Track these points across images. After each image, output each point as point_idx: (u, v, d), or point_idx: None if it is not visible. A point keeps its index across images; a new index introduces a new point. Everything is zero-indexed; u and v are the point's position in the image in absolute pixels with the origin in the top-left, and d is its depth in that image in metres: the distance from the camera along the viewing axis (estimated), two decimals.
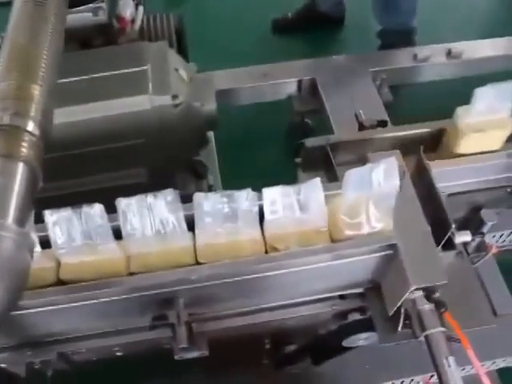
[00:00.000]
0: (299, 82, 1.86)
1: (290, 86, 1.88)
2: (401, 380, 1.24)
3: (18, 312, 0.85)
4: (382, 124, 1.18)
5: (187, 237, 0.88)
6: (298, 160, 1.14)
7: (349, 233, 0.87)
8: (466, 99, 1.07)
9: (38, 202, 0.80)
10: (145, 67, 1.14)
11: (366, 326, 0.99)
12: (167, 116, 1.12)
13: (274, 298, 0.98)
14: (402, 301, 0.90)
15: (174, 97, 1.12)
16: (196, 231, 0.88)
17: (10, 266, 0.69)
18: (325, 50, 2.23)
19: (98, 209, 0.81)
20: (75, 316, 0.90)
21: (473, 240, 1.18)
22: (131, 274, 0.88)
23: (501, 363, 1.29)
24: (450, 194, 1.13)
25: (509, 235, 1.42)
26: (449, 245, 0.96)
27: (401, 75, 1.92)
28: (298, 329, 1.07)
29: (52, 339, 0.98)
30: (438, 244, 0.94)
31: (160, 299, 0.89)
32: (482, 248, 1.22)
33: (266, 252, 0.88)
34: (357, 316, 1.01)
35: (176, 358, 0.99)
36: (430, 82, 1.97)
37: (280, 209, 0.85)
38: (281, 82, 1.86)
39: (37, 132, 0.77)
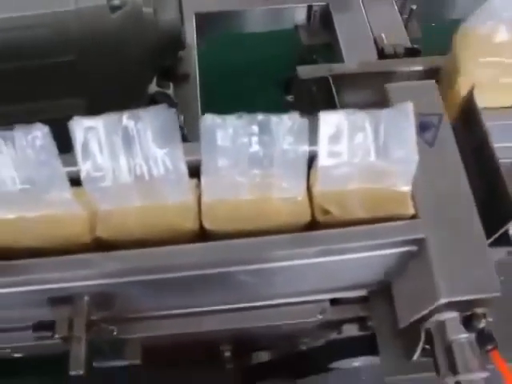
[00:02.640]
0: (309, 8, 1.51)
1: (298, 13, 1.53)
2: None
3: None
4: (414, 52, 0.83)
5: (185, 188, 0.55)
6: (290, 98, 0.80)
7: None
8: None
9: None
10: None
11: (365, 346, 0.68)
12: (102, 23, 0.78)
13: (231, 299, 0.66)
14: (422, 314, 0.59)
15: None
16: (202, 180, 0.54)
17: None
18: None
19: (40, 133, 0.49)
20: None
21: None
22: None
23: None
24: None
25: None
26: (504, 239, 0.64)
27: (432, 6, 1.54)
28: (271, 339, 0.76)
29: None
30: (488, 237, 0.61)
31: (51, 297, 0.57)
32: None
33: (313, 218, 0.56)
34: (353, 330, 0.70)
35: (95, 365, 0.69)
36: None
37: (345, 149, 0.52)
38: (287, 7, 1.52)
39: None
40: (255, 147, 0.50)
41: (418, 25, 1.49)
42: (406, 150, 0.52)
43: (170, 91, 1.10)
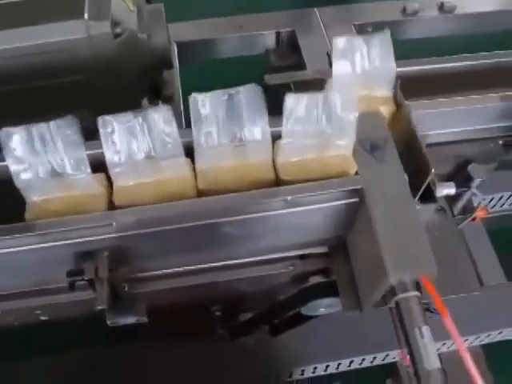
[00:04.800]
0: (278, 34, 1.71)
1: (268, 39, 1.72)
2: (373, 355, 1.10)
3: None
4: None
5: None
6: None
7: None
8: None
9: None
10: None
11: (328, 290, 0.85)
12: (105, 48, 0.96)
13: (222, 254, 0.83)
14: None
15: (115, 24, 0.95)
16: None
17: None
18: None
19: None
20: None
21: (458, 199, 1.04)
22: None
23: (485, 339, 1.15)
24: (432, 144, 0.98)
25: (500, 199, 1.28)
26: (428, 196, 0.82)
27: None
28: (253, 294, 0.93)
29: None
30: (415, 195, 0.80)
31: (81, 251, 0.74)
32: (469, 209, 1.07)
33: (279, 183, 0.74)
34: (318, 279, 0.87)
35: (108, 323, 0.85)
36: (420, 39, 1.81)
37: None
38: (258, 33, 1.71)
39: None
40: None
41: None
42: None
43: None
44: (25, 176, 0.69)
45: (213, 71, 1.85)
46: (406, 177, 0.75)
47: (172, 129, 0.69)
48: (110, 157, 0.70)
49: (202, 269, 0.85)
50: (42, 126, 0.69)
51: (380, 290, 0.72)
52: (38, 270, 0.78)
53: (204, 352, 1.05)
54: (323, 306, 0.88)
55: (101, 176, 0.73)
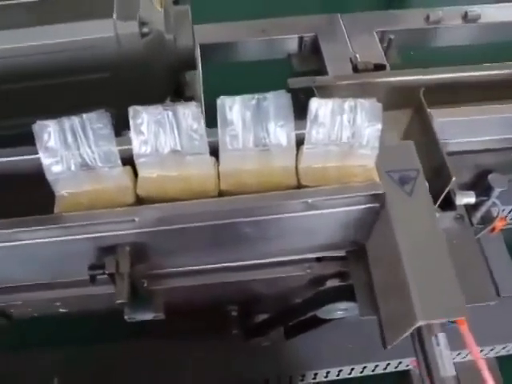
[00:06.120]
0: (300, 38, 1.72)
1: (290, 43, 1.73)
2: (386, 362, 1.10)
3: None
4: (380, 67, 1.03)
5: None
6: None
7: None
8: None
9: None
10: None
11: (345, 294, 0.85)
12: (132, 47, 0.98)
13: (241, 254, 0.83)
14: None
15: (142, 24, 0.97)
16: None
17: None
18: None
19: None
20: (4, 259, 0.77)
21: (478, 208, 1.03)
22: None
23: (501, 351, 1.15)
24: (453, 153, 0.98)
25: None
26: (448, 204, 0.82)
27: (410, 37, 1.74)
28: (270, 295, 0.93)
29: None
30: (435, 202, 0.80)
31: (104, 245, 0.75)
32: (488, 219, 1.07)
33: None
34: (335, 282, 0.87)
35: (126, 318, 0.86)
36: (443, 47, 1.80)
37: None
38: (280, 38, 1.72)
39: None
40: None
41: (397, 52, 1.70)
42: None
43: None
44: (56, 169, 0.71)
45: (232, 73, 1.86)
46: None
47: (200, 126, 0.70)
48: (138, 147, 0.72)
49: (220, 268, 0.86)
50: (74, 120, 0.71)
51: (406, 331, 0.71)
52: (60, 262, 0.80)
53: (218, 350, 1.06)
54: (339, 310, 0.88)
55: (129, 169, 0.74)
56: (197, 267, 0.85)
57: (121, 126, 0.77)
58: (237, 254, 0.82)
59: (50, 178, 0.73)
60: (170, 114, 0.70)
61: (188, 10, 1.11)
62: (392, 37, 1.69)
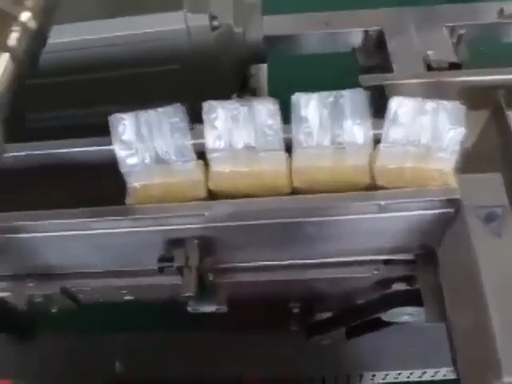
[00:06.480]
0: (365, 32, 1.68)
1: (354, 37, 1.70)
2: (446, 369, 1.07)
3: (13, 235, 0.75)
4: (455, 66, 0.99)
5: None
6: None
7: None
8: None
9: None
10: None
11: (412, 298, 0.83)
12: (202, 40, 0.98)
13: (307, 252, 0.83)
14: None
15: (212, 17, 0.97)
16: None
17: None
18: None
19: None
20: (78, 246, 0.80)
21: None
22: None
23: None
24: None
25: None
26: None
27: (482, 32, 1.67)
28: (333, 295, 0.92)
29: (56, 272, 0.88)
30: None
31: (173, 238, 0.76)
32: None
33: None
34: (402, 286, 0.85)
35: (189, 309, 0.87)
36: None
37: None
38: (345, 31, 1.69)
39: (33, 25, 0.63)
40: None
41: (467, 48, 1.64)
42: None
43: None
44: (130, 161, 0.72)
45: (294, 67, 1.85)
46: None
47: (275, 122, 0.70)
48: (211, 142, 0.72)
49: (285, 265, 0.86)
50: (150, 113, 0.72)
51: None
52: (130, 252, 0.82)
53: (277, 346, 1.06)
54: (405, 314, 0.87)
55: (202, 163, 0.75)
56: (262, 263, 0.86)
57: (189, 119, 0.77)
58: (305, 252, 0.82)
59: (123, 169, 0.75)
60: (246, 109, 0.70)
61: (259, 3, 1.11)
62: (462, 32, 1.63)
